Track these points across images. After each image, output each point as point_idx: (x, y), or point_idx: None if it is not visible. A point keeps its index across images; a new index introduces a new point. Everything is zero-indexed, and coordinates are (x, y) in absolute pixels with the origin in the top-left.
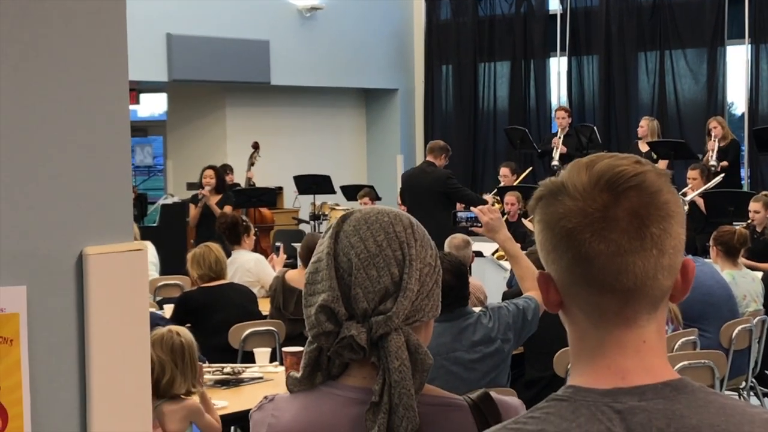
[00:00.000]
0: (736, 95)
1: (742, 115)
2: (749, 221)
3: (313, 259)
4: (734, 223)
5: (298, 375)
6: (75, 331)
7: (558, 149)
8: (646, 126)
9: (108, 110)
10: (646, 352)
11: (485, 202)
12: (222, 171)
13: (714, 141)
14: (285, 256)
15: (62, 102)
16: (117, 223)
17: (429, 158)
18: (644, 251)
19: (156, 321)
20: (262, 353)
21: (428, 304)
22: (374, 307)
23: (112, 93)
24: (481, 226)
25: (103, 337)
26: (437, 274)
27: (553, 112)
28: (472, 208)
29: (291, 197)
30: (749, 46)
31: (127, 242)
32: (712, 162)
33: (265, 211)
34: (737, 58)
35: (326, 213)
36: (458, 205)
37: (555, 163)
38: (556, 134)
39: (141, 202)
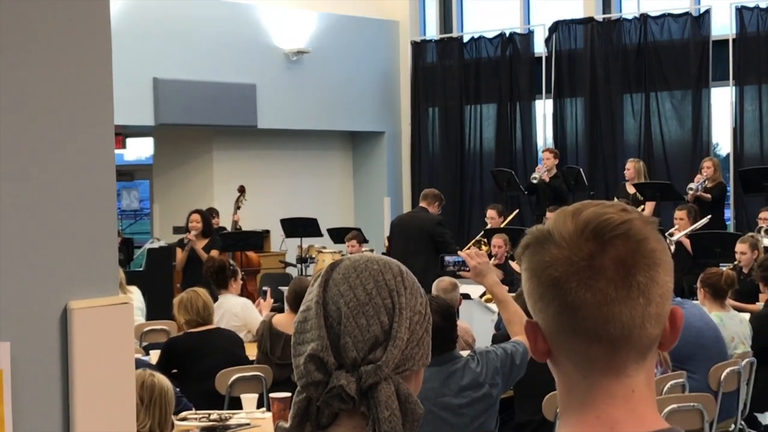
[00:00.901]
0: (721, 136)
1: (728, 155)
2: (736, 262)
3: (302, 308)
4: (721, 264)
5: (287, 425)
6: (59, 386)
7: (540, 174)
8: (632, 168)
9: (93, 160)
10: (636, 401)
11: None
12: (208, 215)
13: (702, 176)
14: (272, 300)
15: (47, 151)
16: (102, 276)
17: (422, 204)
18: (631, 300)
19: (142, 368)
20: (249, 399)
21: (418, 353)
22: (364, 356)
23: (97, 145)
24: (468, 270)
25: (87, 393)
26: (427, 323)
27: (540, 154)
28: (459, 252)
29: (278, 240)
30: (733, 87)
31: (113, 296)
32: (692, 185)
33: (251, 254)
34: (722, 99)
35: (313, 256)
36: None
37: (535, 175)
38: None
39: (127, 246)
